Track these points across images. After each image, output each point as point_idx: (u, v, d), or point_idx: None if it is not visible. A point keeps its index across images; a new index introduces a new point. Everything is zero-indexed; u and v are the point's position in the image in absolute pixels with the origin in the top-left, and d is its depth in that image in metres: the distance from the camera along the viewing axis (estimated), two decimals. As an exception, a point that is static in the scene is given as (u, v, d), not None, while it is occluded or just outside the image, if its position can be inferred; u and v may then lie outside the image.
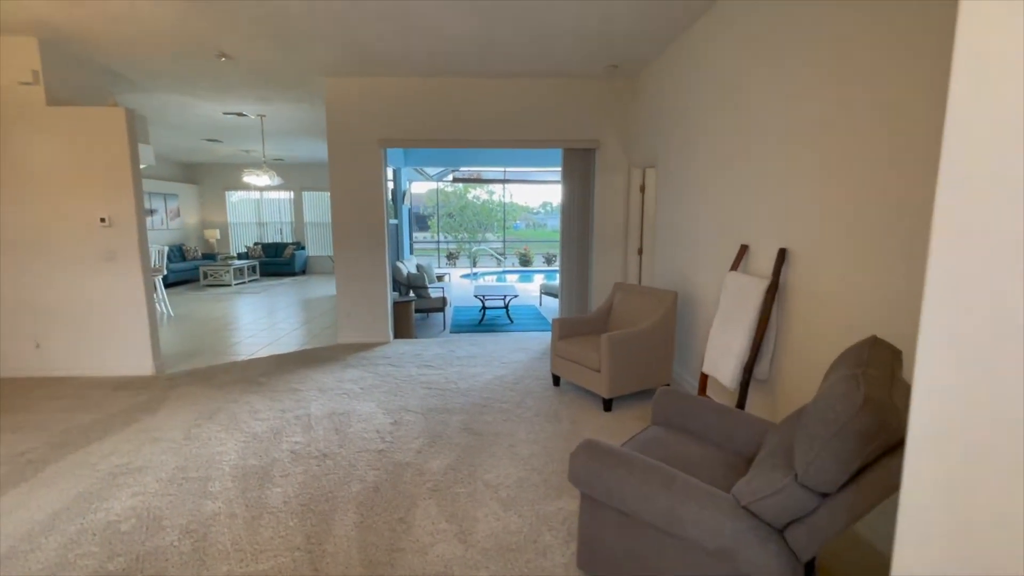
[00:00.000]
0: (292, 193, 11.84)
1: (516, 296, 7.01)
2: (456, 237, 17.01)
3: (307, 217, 12.02)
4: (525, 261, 14.60)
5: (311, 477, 2.57)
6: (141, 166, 4.17)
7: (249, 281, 10.23)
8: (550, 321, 6.66)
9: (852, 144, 2.10)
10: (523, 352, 4.90)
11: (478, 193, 18.32)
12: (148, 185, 9.22)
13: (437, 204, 16.94)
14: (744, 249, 2.97)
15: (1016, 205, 0.54)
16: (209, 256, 10.96)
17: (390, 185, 6.41)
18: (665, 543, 1.57)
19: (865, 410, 1.20)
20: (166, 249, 7.46)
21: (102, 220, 3.97)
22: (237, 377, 4.15)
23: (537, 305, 8.02)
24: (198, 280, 9.84)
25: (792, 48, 2.51)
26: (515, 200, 20.75)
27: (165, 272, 7.09)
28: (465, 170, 12.61)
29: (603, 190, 5.29)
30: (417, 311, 6.27)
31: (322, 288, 9.37)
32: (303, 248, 11.73)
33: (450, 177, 12.80)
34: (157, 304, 6.11)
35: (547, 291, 7.88)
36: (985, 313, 0.58)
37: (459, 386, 3.93)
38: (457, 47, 4.11)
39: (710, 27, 3.37)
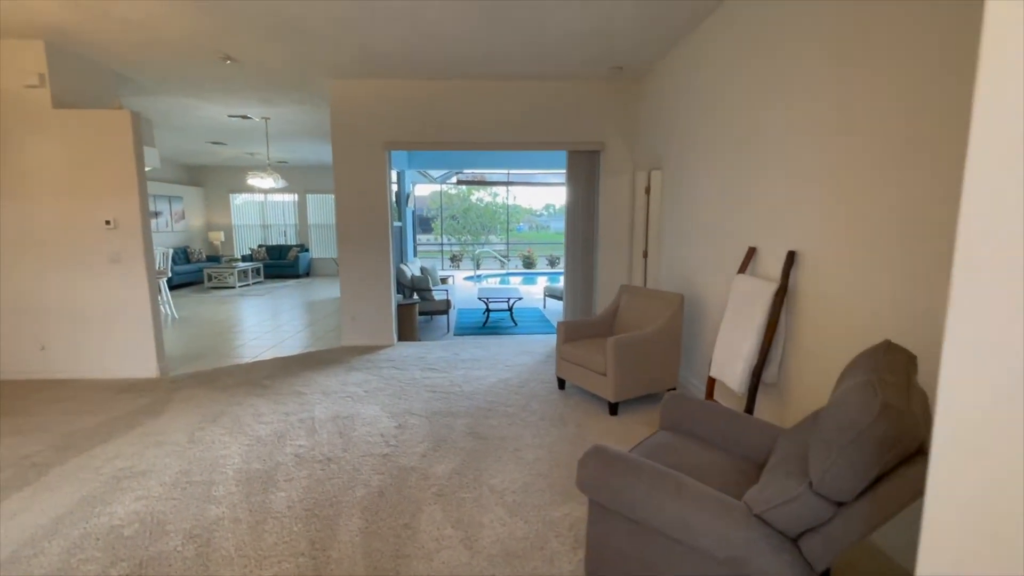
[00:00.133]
0: (296, 195, 11.86)
1: (520, 298, 6.99)
2: (459, 239, 17.01)
3: (311, 219, 12.04)
4: (528, 263, 14.57)
5: (315, 481, 2.55)
6: (146, 168, 4.18)
7: (253, 283, 10.24)
8: (554, 324, 6.63)
9: (864, 145, 2.08)
10: (528, 355, 4.88)
11: (481, 195, 18.32)
12: (153, 188, 9.25)
13: (441, 206, 16.95)
14: (752, 251, 2.94)
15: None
16: (213, 258, 10.98)
17: (394, 187, 6.40)
18: (674, 551, 1.54)
19: (883, 417, 1.17)
20: (170, 251, 7.48)
21: (107, 222, 3.98)
22: (241, 380, 4.14)
23: (541, 308, 7.99)
24: (202, 282, 9.86)
25: (801, 48, 2.48)
26: (518, 202, 20.76)
27: (169, 274, 7.11)
28: (469, 172, 12.61)
29: (608, 192, 5.27)
30: (421, 313, 6.25)
31: (326, 290, 9.37)
32: (307, 250, 11.74)
33: (454, 179, 12.80)
34: (161, 306, 6.12)
35: (551, 293, 7.85)
36: (1012, 318, 0.56)
37: (463, 389, 3.91)
38: (462, 50, 4.10)
39: (717, 28, 3.35)
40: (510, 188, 14.96)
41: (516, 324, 6.60)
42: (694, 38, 3.69)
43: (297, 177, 11.36)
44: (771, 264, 2.76)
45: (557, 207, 21.32)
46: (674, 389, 3.68)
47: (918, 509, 1.23)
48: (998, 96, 0.57)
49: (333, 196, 5.11)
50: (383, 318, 5.26)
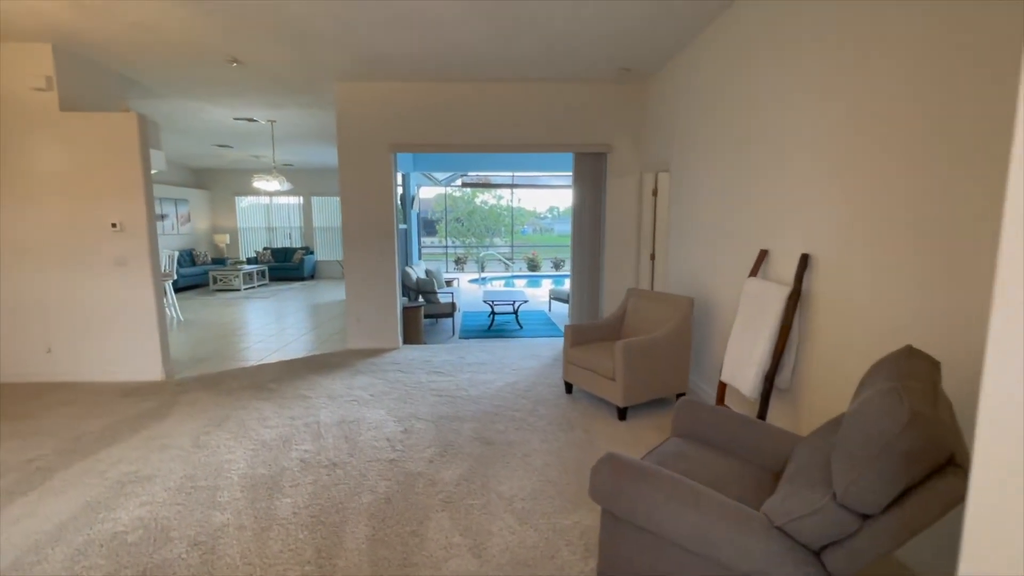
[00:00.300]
0: (301, 198, 11.88)
1: (526, 301, 6.95)
2: (464, 242, 16.99)
3: (316, 222, 12.05)
4: (533, 266, 14.53)
5: (321, 487, 2.52)
6: (152, 171, 4.17)
7: (258, 286, 10.25)
8: (560, 327, 6.59)
9: (880, 144, 2.03)
10: (534, 359, 4.84)
11: (486, 198, 18.31)
12: (159, 190, 9.25)
13: (445, 209, 16.94)
14: (763, 254, 2.89)
15: None
16: (219, 261, 11.01)
17: (399, 190, 6.39)
18: (691, 563, 1.49)
19: (912, 427, 1.12)
20: (176, 254, 7.49)
21: (113, 225, 3.97)
22: (246, 383, 4.12)
23: (546, 310, 7.95)
24: (208, 285, 9.88)
25: (813, 46, 2.44)
26: (522, 205, 20.74)
27: (175, 277, 7.12)
28: (474, 175, 12.60)
29: (615, 194, 5.23)
30: (426, 316, 6.22)
31: (331, 293, 9.36)
32: (312, 253, 11.75)
33: (459, 182, 12.79)
34: (167, 309, 6.12)
35: (556, 296, 7.81)
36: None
37: (470, 393, 3.87)
38: (469, 52, 4.07)
39: (727, 28, 3.31)
40: (514, 191, 14.94)
41: (522, 327, 6.56)
42: (704, 38, 3.65)
43: (302, 180, 11.38)
44: (783, 267, 2.71)
45: (561, 210, 21.29)
46: (683, 394, 3.63)
47: (945, 522, 1.18)
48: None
49: (338, 199, 5.10)
50: (388, 321, 5.24)
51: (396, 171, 5.23)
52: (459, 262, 14.95)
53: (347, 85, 4.88)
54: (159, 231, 8.42)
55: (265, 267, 10.71)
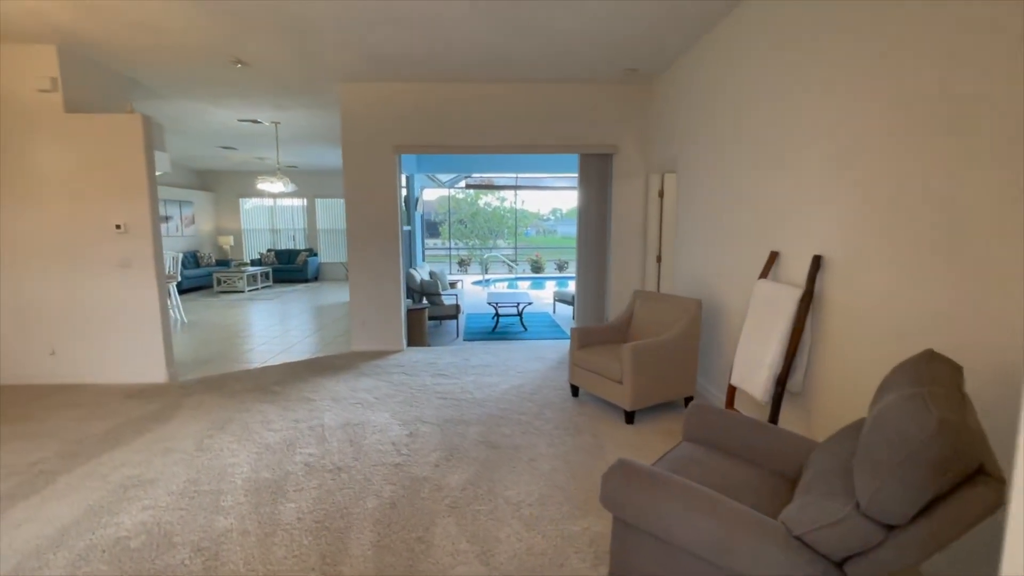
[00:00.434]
0: (305, 200, 11.89)
1: (530, 303, 6.91)
2: (467, 244, 16.97)
3: (320, 224, 12.06)
4: (537, 268, 14.50)
5: (326, 492, 2.48)
6: (157, 173, 4.16)
7: (262, 287, 10.25)
8: (565, 329, 6.55)
9: (895, 145, 1.99)
10: (539, 361, 4.80)
11: (489, 200, 18.29)
12: (163, 192, 9.30)
13: (449, 210, 16.94)
14: (774, 256, 2.85)
15: None
16: (223, 263, 11.02)
17: (403, 191, 6.36)
18: (705, 573, 1.45)
19: (941, 434, 1.08)
20: (180, 256, 7.48)
21: (117, 227, 3.96)
22: (250, 385, 4.10)
23: (551, 312, 7.91)
24: (212, 286, 9.88)
25: (826, 44, 2.40)
26: (525, 207, 20.71)
27: (179, 279, 7.10)
28: (477, 176, 12.58)
29: (620, 196, 5.19)
30: (430, 318, 6.19)
31: (334, 295, 9.35)
32: (316, 255, 11.75)
33: (463, 183, 12.78)
34: (171, 311, 6.11)
35: (560, 298, 7.77)
36: None
37: (475, 396, 3.83)
38: (473, 52, 4.05)
39: (736, 27, 3.28)
40: (518, 192, 14.91)
41: (526, 329, 6.52)
42: (712, 38, 3.62)
43: (306, 182, 11.38)
44: (795, 269, 2.67)
45: (564, 211, 21.26)
46: (691, 397, 3.59)
47: (975, 533, 1.14)
48: None
49: (342, 200, 5.08)
50: (393, 323, 5.21)
51: (400, 173, 5.21)
52: (462, 264, 14.92)
53: (351, 86, 4.87)
54: (163, 233, 8.43)
55: (269, 269, 10.71)
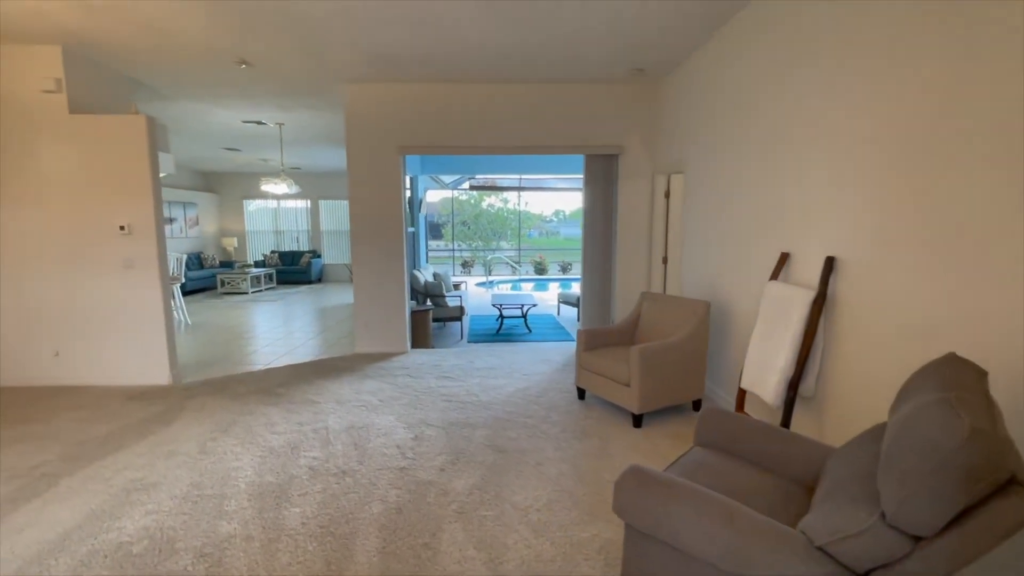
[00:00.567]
0: (309, 202, 11.89)
1: (535, 305, 6.87)
2: (471, 245, 16.94)
3: (323, 226, 12.06)
4: (540, 269, 14.45)
5: (330, 496, 2.45)
6: (161, 174, 4.14)
7: (266, 289, 10.24)
8: (569, 331, 6.51)
9: (911, 145, 1.94)
10: (545, 363, 4.76)
11: (492, 201, 18.24)
12: (167, 193, 9.30)
13: (452, 212, 16.91)
14: (785, 257, 2.81)
15: None
16: (226, 264, 11.01)
17: (407, 193, 6.33)
18: (722, 583, 1.41)
19: (973, 442, 1.04)
20: (184, 257, 7.48)
21: (121, 228, 3.94)
22: (254, 388, 4.07)
23: (555, 314, 7.86)
24: (215, 288, 9.88)
25: (838, 42, 2.35)
26: (529, 208, 20.65)
27: (183, 280, 7.10)
28: (481, 178, 12.55)
29: (626, 196, 5.15)
30: (434, 320, 6.16)
31: (338, 296, 9.33)
32: (319, 256, 11.74)
33: (466, 185, 12.75)
34: (175, 312, 6.09)
35: (565, 300, 7.72)
36: None
37: (480, 399, 3.79)
38: (479, 52, 4.02)
39: (744, 27, 3.24)
40: (522, 194, 14.88)
41: (530, 331, 6.48)
42: (720, 37, 3.58)
43: (310, 183, 11.38)
44: (806, 270, 2.63)
45: (567, 213, 21.20)
46: (699, 400, 3.54)
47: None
48: None
49: (346, 202, 5.06)
50: (397, 325, 5.18)
51: (405, 173, 5.18)
52: (466, 265, 14.89)
53: (356, 87, 4.84)
54: (167, 234, 8.44)
55: (273, 270, 10.71)
